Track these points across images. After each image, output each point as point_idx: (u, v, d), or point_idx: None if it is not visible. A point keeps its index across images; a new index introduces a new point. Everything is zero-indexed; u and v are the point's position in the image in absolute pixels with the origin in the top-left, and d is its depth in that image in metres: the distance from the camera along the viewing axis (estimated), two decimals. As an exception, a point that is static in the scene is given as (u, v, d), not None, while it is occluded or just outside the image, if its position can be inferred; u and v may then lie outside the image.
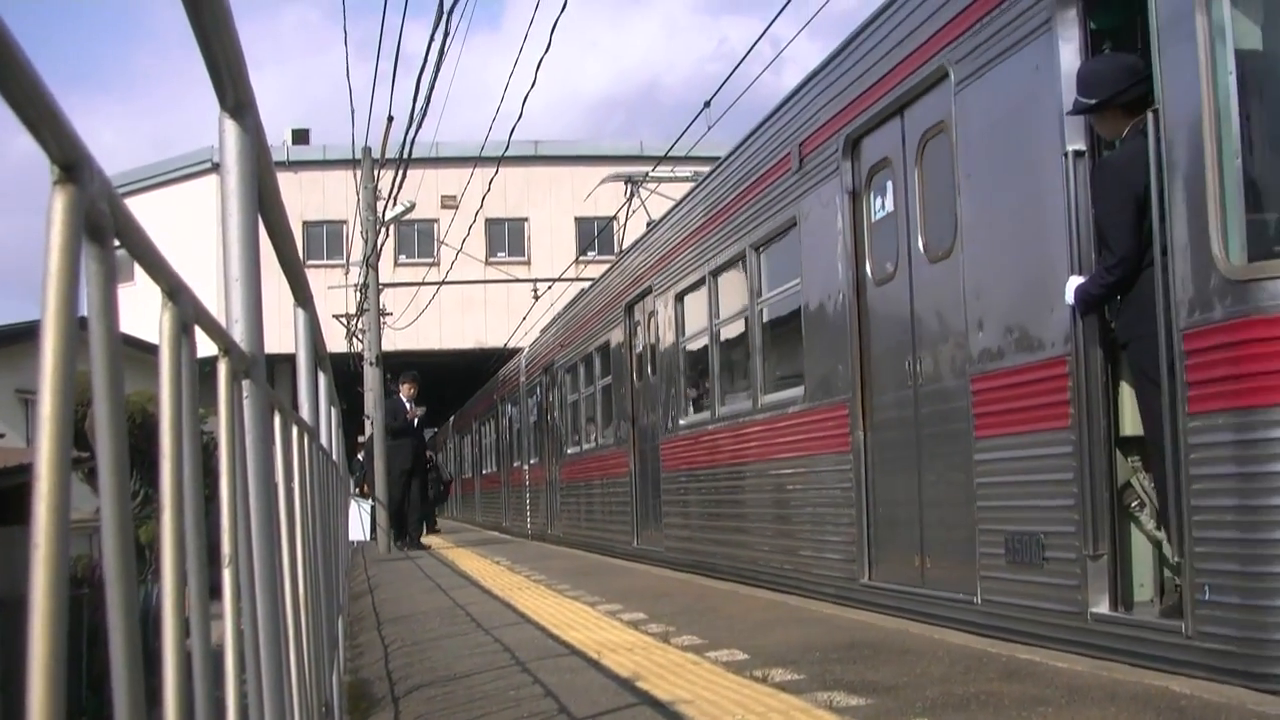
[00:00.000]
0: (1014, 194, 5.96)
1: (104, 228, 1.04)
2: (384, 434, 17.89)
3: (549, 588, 10.03)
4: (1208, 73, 4.61)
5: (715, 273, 10.87)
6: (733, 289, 10.56)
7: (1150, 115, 4.89)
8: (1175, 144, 4.75)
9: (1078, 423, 5.43)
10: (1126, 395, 5.38)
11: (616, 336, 14.91)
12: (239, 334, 2.01)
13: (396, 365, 20.75)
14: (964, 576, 6.40)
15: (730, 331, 10.78)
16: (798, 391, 8.79)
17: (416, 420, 17.81)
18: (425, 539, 18.57)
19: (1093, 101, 5.21)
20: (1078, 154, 5.47)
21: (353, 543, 16.34)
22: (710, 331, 11.12)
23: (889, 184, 7.39)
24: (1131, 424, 5.37)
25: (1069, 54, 5.52)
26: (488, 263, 39.12)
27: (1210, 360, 4.61)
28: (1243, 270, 4.53)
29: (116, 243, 1.11)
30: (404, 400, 17.77)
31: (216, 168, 2.06)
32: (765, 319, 9.84)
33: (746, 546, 10.01)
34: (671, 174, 18.06)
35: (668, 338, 12.53)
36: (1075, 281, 5.36)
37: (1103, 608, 5.34)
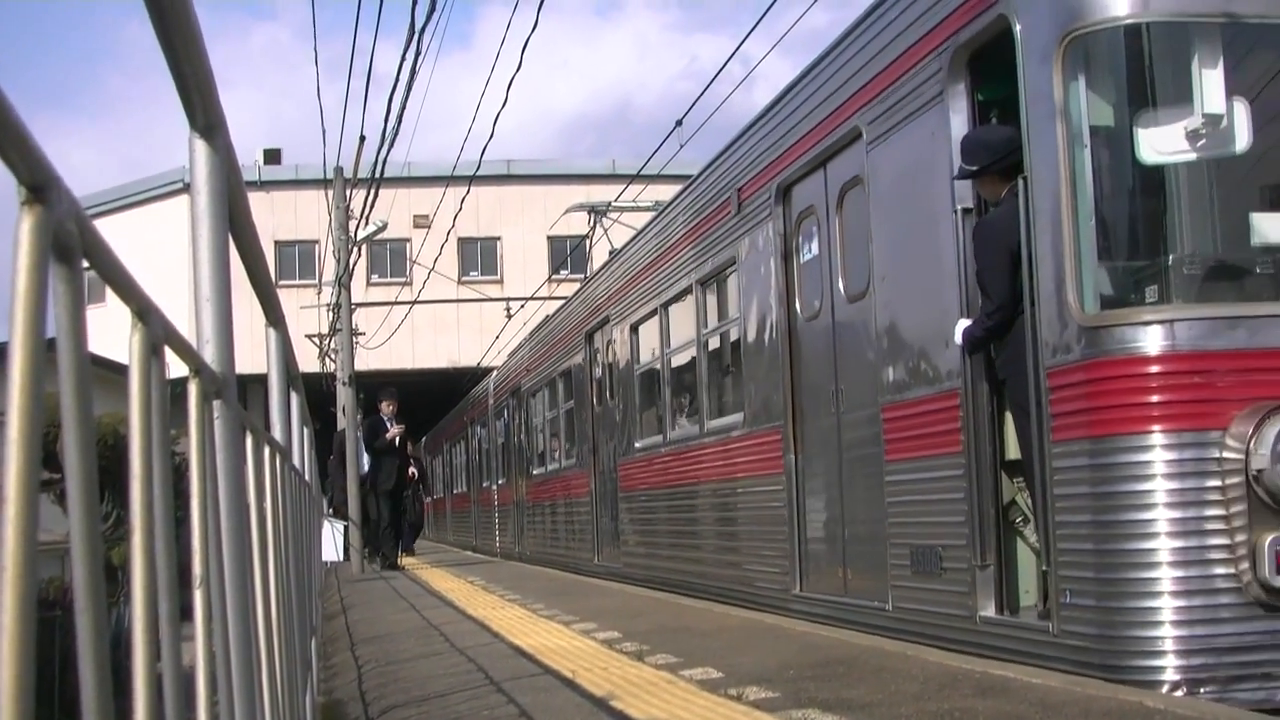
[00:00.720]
0: (915, 243, 6.69)
1: (72, 249, 1.06)
2: (360, 452, 17.92)
3: (523, 607, 10.09)
4: (1065, 145, 5.35)
5: (666, 305, 11.59)
6: (682, 321, 11.28)
7: (1021, 181, 5.62)
8: (1040, 207, 5.47)
9: (968, 448, 6.14)
10: (1009, 424, 6.10)
11: (578, 362, 15.61)
12: (210, 355, 2.01)
13: (370, 385, 20.99)
14: (878, 586, 7.11)
15: (680, 360, 11.51)
16: (739, 417, 9.51)
17: (398, 438, 17.63)
18: (401, 560, 18.48)
19: (973, 168, 5.95)
20: (966, 211, 6.21)
21: (326, 563, 16.37)
22: (662, 360, 11.84)
23: (815, 229, 8.12)
24: (1014, 449, 6.08)
25: (959, 122, 6.26)
26: (460, 282, 39.32)
27: (1069, 395, 5.34)
28: (1095, 318, 5.26)
29: (86, 264, 1.12)
30: (384, 418, 17.65)
31: (188, 188, 2.07)
32: (710, 349, 10.57)
33: (695, 562, 10.72)
34: (634, 204, 18.75)
35: (624, 365, 13.25)
36: (963, 324, 6.08)
37: (990, 611, 6.06)
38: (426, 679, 6.46)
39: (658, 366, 12.04)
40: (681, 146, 14.60)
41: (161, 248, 35.92)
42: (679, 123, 14.46)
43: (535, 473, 19.21)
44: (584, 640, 7.44)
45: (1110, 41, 5.46)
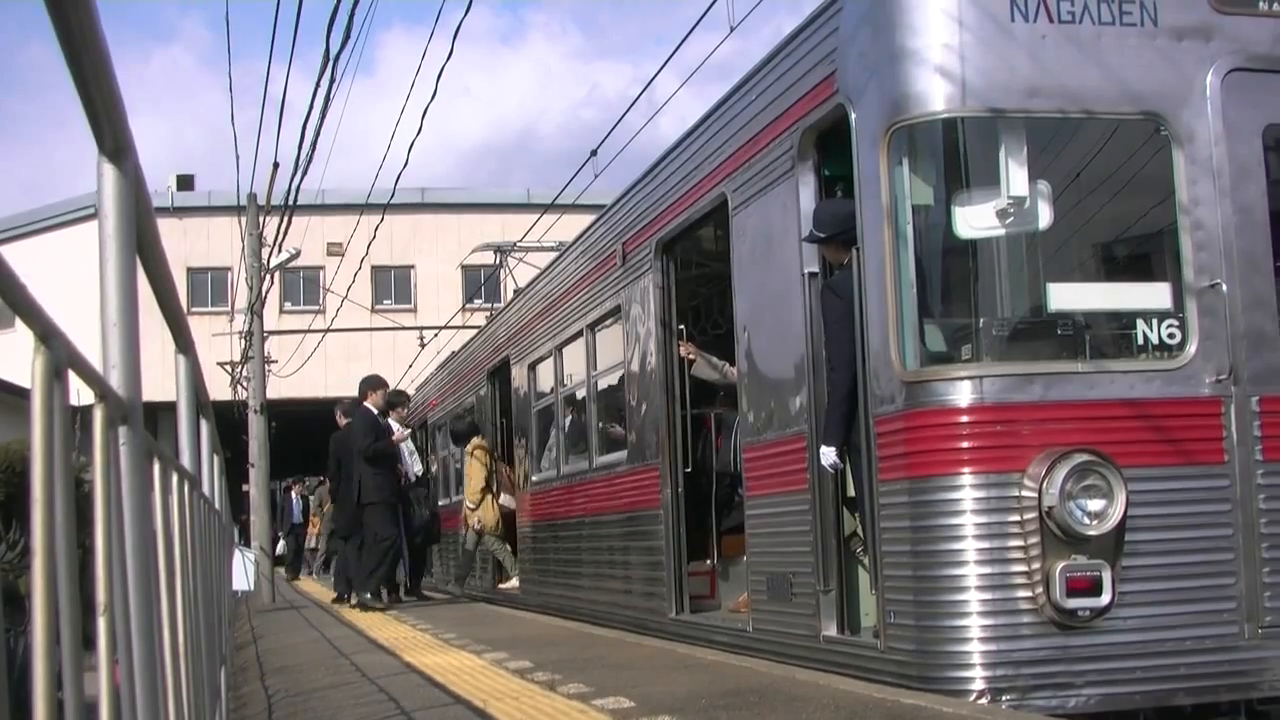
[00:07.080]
0: (770, 300, 7.44)
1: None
2: (342, 463, 14.40)
3: (435, 636, 10.02)
4: (890, 221, 6.12)
5: (560, 347, 12.28)
6: (575, 362, 11.98)
7: (856, 251, 6.38)
8: (870, 275, 6.24)
9: (813, 486, 6.89)
10: (849, 465, 6.85)
11: (481, 399, 16.24)
12: (116, 380, 1.98)
13: (280, 414, 20.43)
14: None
15: (573, 398, 12.20)
16: (623, 454, 10.20)
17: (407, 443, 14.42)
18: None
19: (822, 235, 6.70)
20: (812, 274, 6.97)
21: (237, 593, 15.76)
22: (557, 398, 12.52)
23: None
24: (855, 487, 6.84)
25: (807, 195, 7.02)
26: (374, 310, 39.28)
27: (892, 440, 6.09)
28: (913, 374, 6.02)
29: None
30: (392, 424, 14.13)
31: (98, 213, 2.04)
32: (599, 389, 11.28)
33: (586, 589, 11.39)
34: (539, 244, 19.39)
35: (524, 402, 13.90)
36: (825, 451, 6.70)
37: (832, 631, 6.78)
38: (337, 709, 6.50)
39: (553, 404, 12.71)
40: (596, 176, 14.39)
41: (72, 275, 35.60)
42: (594, 152, 14.22)
43: (442, 503, 19.74)
44: (496, 670, 7.48)
45: (929, 132, 6.25)
